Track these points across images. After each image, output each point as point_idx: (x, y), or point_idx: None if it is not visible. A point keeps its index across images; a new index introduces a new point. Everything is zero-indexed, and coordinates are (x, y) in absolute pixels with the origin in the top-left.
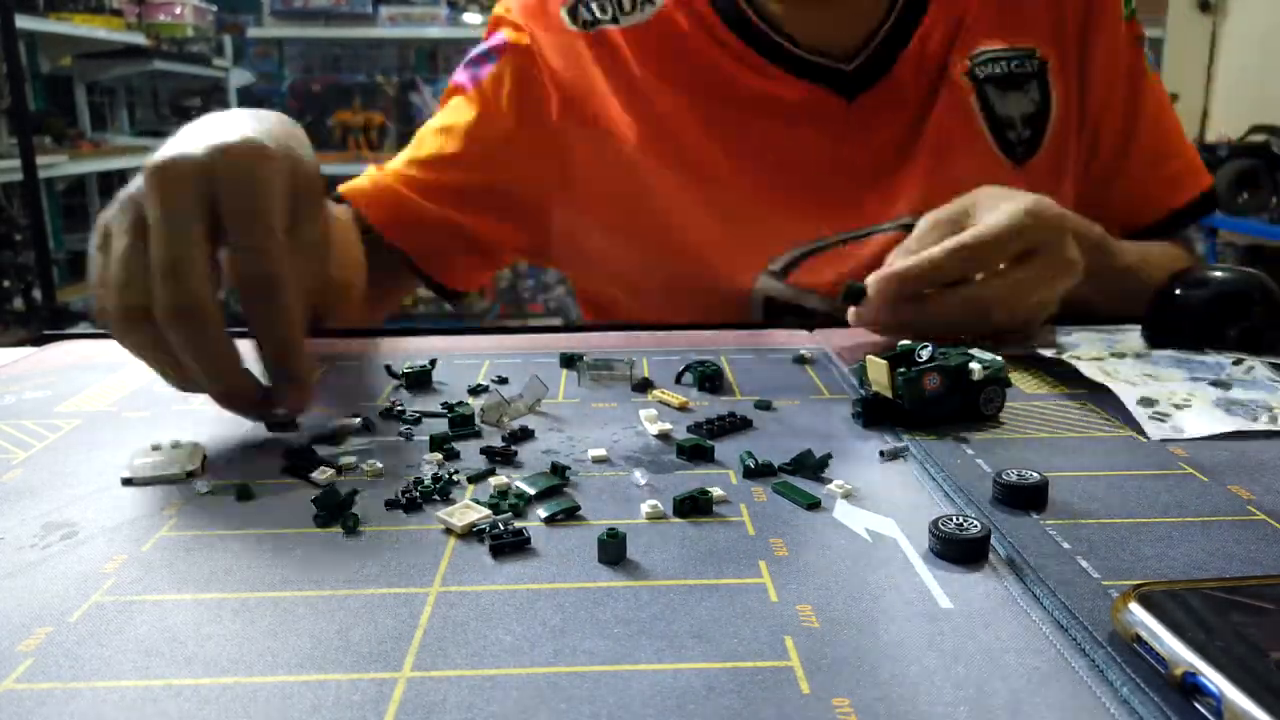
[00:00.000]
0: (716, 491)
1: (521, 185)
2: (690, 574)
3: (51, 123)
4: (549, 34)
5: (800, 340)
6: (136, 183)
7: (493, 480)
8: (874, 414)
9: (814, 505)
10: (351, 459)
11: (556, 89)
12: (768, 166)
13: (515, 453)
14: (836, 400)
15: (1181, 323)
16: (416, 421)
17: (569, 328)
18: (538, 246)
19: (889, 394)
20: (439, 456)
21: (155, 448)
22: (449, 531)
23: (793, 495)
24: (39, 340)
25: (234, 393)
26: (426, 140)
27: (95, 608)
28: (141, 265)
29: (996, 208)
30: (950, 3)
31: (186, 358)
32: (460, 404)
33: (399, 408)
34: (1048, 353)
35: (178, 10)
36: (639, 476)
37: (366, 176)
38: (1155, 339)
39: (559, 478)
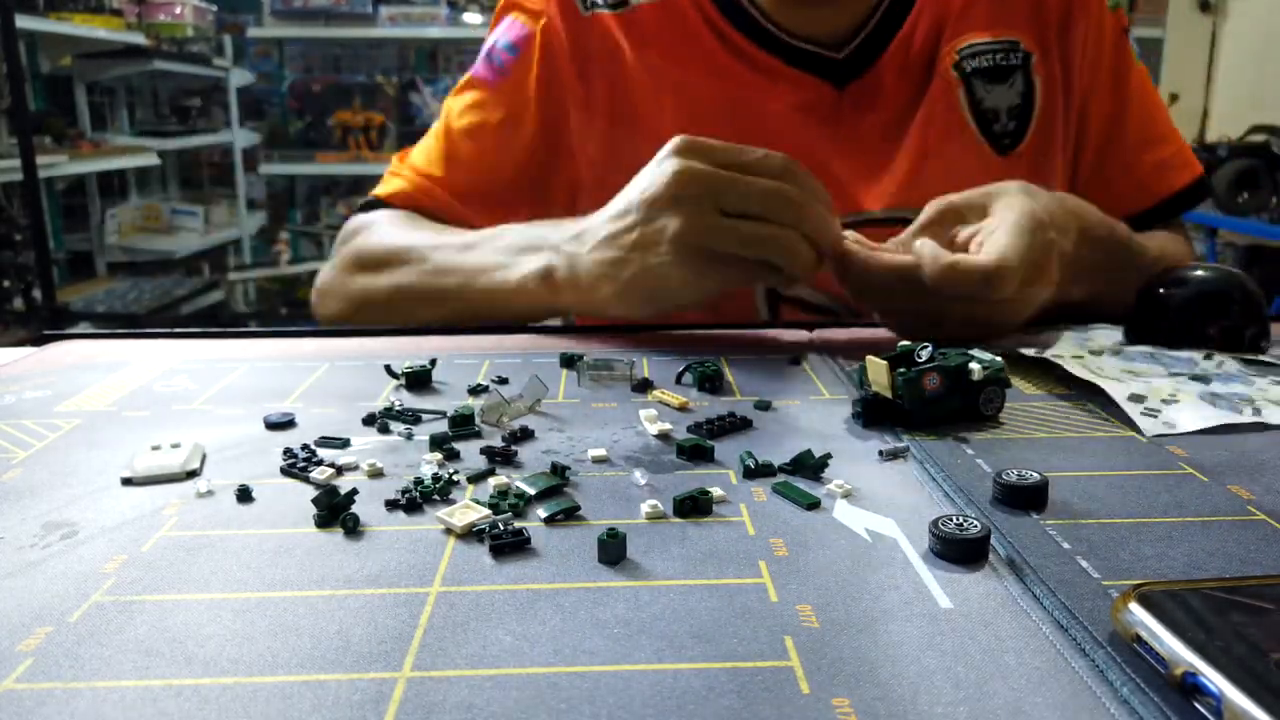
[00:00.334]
0: (716, 491)
1: (552, 182)
2: (690, 574)
3: (51, 123)
4: (564, 19)
5: (800, 340)
6: None
7: (493, 480)
8: (874, 414)
9: (814, 505)
10: (352, 459)
11: (575, 78)
12: None
13: (515, 453)
14: (836, 400)
15: (1163, 321)
16: (416, 421)
17: (569, 328)
18: None
19: (889, 394)
20: (439, 456)
21: (155, 448)
22: (449, 531)
23: (793, 495)
24: (39, 340)
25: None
26: (457, 142)
27: (95, 608)
28: None
29: (997, 226)
30: None
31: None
32: (456, 413)
33: (398, 408)
34: (1029, 351)
35: (178, 10)
36: (639, 476)
37: (402, 179)
38: (1137, 337)
39: (559, 478)
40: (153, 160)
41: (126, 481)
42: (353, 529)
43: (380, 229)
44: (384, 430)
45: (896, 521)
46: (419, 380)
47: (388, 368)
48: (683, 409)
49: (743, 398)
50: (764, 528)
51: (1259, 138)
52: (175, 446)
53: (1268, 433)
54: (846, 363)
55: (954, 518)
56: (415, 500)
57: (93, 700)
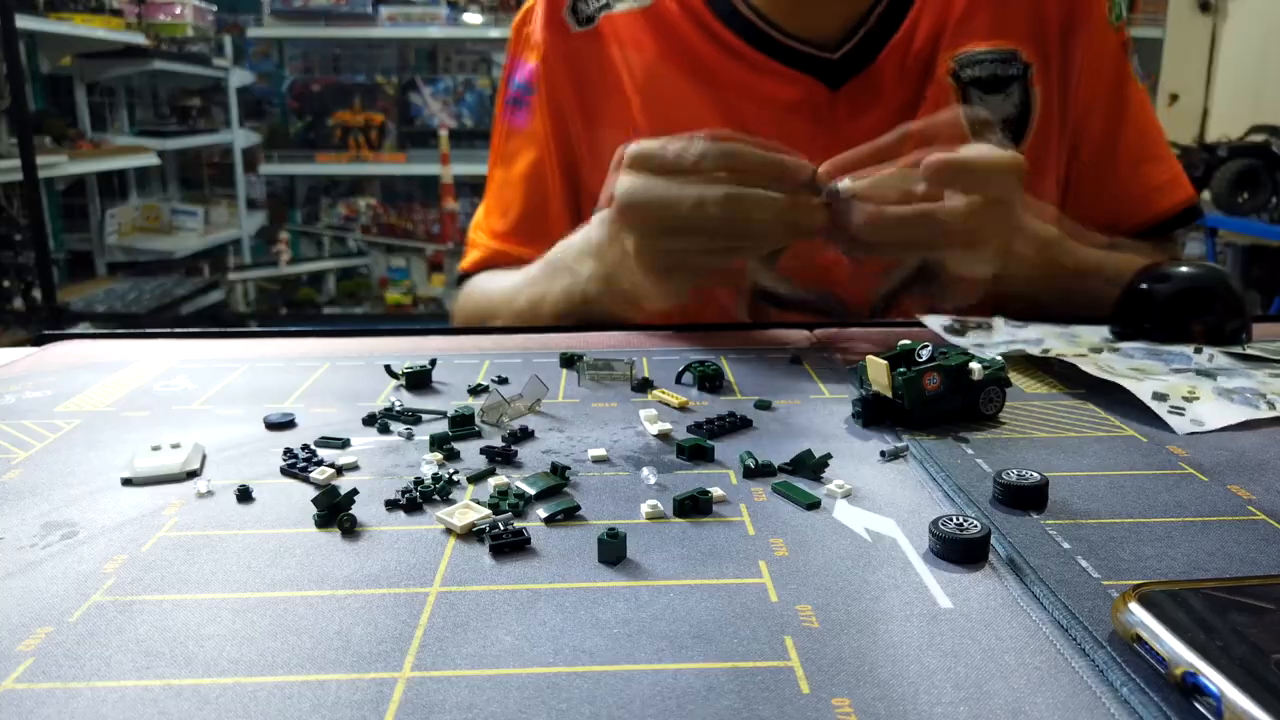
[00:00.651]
0: (716, 491)
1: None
2: (690, 574)
3: (51, 123)
4: (558, 44)
5: (800, 340)
6: None
7: (493, 480)
8: (874, 414)
9: (814, 505)
10: (352, 459)
11: (580, 99)
12: None
13: (515, 453)
14: (836, 400)
15: (1148, 317)
16: (416, 421)
17: (569, 328)
18: None
19: (889, 394)
20: (439, 456)
21: (155, 448)
22: (449, 531)
23: (793, 495)
24: (39, 340)
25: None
26: (508, 194)
27: (95, 608)
28: None
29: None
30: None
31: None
32: (455, 413)
33: (398, 408)
34: (1034, 351)
35: (178, 10)
36: (647, 474)
37: (478, 248)
38: (1123, 333)
39: (559, 478)
40: (153, 160)
41: (126, 481)
42: (349, 529)
43: (472, 301)
44: (384, 430)
45: (896, 521)
46: (419, 380)
47: (388, 368)
48: (683, 409)
49: (743, 398)
50: (764, 528)
51: (1259, 138)
52: (175, 446)
53: (1268, 433)
54: (846, 363)
55: (954, 518)
56: (415, 500)
57: (92, 700)
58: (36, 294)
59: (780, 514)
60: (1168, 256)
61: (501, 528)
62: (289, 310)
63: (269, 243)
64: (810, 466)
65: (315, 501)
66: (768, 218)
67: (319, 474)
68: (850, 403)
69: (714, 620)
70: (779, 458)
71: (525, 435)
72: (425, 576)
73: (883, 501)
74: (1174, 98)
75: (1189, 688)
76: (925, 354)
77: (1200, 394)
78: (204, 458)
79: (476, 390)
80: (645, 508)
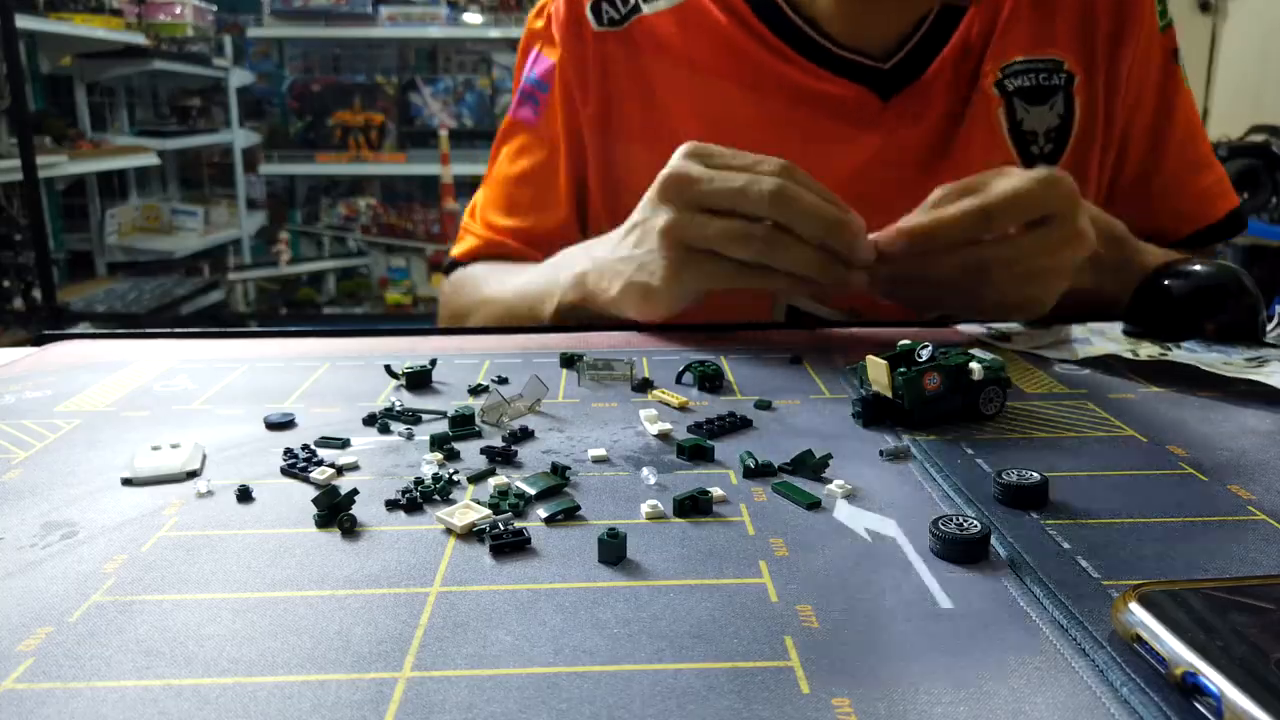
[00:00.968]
0: (716, 491)
1: (604, 215)
2: (690, 574)
3: (51, 123)
4: (581, 43)
5: (800, 340)
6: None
7: (493, 480)
8: (874, 414)
9: (814, 505)
10: (352, 459)
11: (601, 103)
12: (803, 161)
13: (515, 453)
14: (836, 400)
15: (1161, 315)
16: (416, 421)
17: (569, 328)
18: None
19: (889, 394)
20: (439, 456)
21: (155, 448)
22: (449, 531)
23: (793, 495)
24: (39, 340)
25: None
26: (513, 190)
27: (95, 608)
28: None
29: (1011, 175)
30: (987, 8)
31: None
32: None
33: (398, 407)
34: (1052, 353)
35: (178, 10)
36: (648, 475)
37: (474, 235)
38: (1136, 331)
39: (559, 478)
40: (153, 160)
41: (126, 481)
42: (349, 529)
43: (463, 291)
44: (384, 430)
45: (896, 521)
46: (419, 380)
47: (388, 368)
48: (683, 408)
49: (743, 398)
50: (764, 528)
51: (1259, 138)
52: (175, 446)
53: (1268, 433)
54: (846, 363)
55: (954, 518)
56: (415, 500)
57: (92, 700)
58: (36, 294)
59: (780, 514)
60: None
61: (501, 528)
62: (289, 310)
63: (269, 243)
64: (810, 466)
65: (315, 501)
66: (797, 265)
67: (319, 474)
68: (850, 403)
69: (714, 620)
70: (779, 458)
71: (525, 435)
72: (425, 576)
73: (883, 501)
74: None
75: (1189, 688)
76: (925, 354)
77: None
78: (204, 458)
79: (476, 390)
80: (645, 508)
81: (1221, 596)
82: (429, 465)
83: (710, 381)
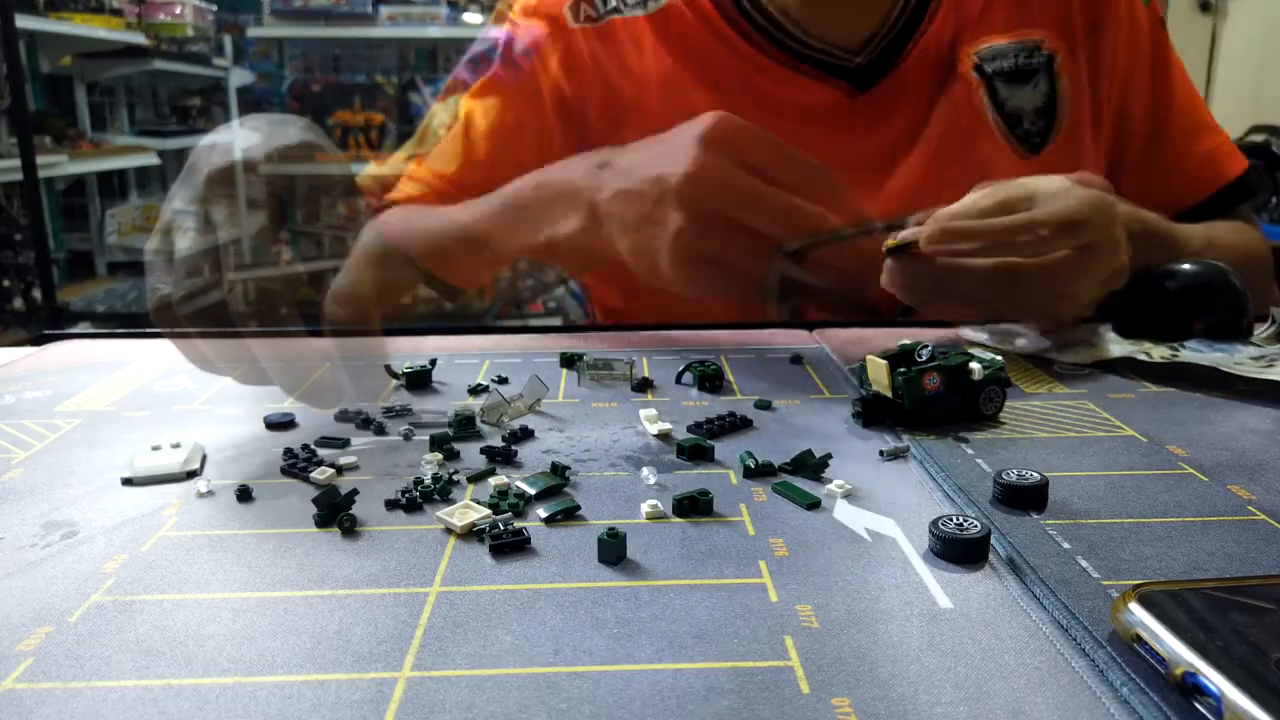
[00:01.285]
0: (716, 491)
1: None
2: (690, 574)
3: (51, 123)
4: (566, 33)
5: (800, 340)
6: None
7: (493, 480)
8: (874, 414)
9: (814, 505)
10: (352, 459)
11: (580, 90)
12: None
13: (515, 453)
14: (836, 400)
15: (1150, 315)
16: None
17: (569, 328)
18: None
19: (889, 394)
20: (439, 456)
21: (155, 448)
22: (449, 531)
23: (793, 495)
24: (39, 340)
25: None
26: (476, 142)
27: (95, 608)
28: None
29: (1058, 195)
30: None
31: None
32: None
33: (398, 408)
34: (1064, 357)
35: (178, 10)
36: (648, 474)
37: (418, 181)
38: (1126, 331)
39: (559, 478)
40: (153, 160)
41: (126, 481)
42: (349, 529)
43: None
44: (382, 430)
45: (896, 521)
46: (419, 380)
47: (388, 367)
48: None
49: (743, 398)
50: (764, 528)
51: (1259, 138)
52: (175, 446)
53: (1268, 433)
54: (846, 362)
55: (954, 518)
56: (415, 500)
57: (92, 700)
58: (36, 294)
59: (780, 514)
60: (1257, 229)
61: (501, 528)
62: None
63: (269, 243)
64: (810, 466)
65: (315, 501)
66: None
67: (319, 474)
68: (850, 403)
69: (714, 620)
70: (779, 458)
71: (525, 435)
72: (425, 576)
73: (883, 501)
74: None
75: (1189, 688)
76: (925, 354)
77: None
78: (204, 458)
79: (476, 390)
80: (645, 508)
81: (1221, 596)
82: (429, 465)
83: (710, 381)
